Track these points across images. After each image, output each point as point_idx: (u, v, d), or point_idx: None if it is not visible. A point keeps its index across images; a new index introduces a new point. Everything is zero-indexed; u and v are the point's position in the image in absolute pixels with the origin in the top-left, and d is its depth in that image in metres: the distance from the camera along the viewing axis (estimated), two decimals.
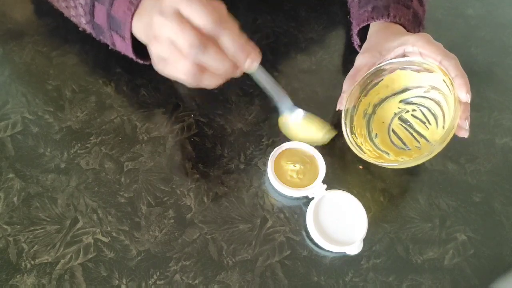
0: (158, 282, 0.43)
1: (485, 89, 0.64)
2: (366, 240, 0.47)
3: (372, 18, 0.55)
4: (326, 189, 0.49)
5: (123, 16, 0.46)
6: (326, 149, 0.53)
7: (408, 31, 0.55)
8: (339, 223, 0.47)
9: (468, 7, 0.77)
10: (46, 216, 0.46)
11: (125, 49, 0.49)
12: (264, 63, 0.45)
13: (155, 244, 0.45)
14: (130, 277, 0.43)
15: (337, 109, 0.52)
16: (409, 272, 0.47)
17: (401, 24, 0.55)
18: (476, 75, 0.66)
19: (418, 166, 0.54)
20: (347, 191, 0.50)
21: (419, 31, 0.56)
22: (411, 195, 0.52)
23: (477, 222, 0.51)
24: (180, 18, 0.37)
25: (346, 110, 0.51)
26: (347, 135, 0.51)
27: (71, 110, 0.54)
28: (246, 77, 0.60)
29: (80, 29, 0.54)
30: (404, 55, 0.51)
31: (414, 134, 0.53)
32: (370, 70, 0.51)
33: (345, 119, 0.51)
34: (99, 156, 0.51)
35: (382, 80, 0.52)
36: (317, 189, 0.49)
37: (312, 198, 0.49)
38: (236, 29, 0.39)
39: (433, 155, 0.46)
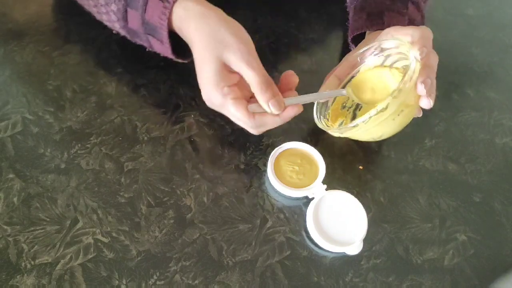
0: (158, 283, 0.43)
1: (485, 89, 0.64)
2: (366, 240, 0.47)
3: (367, 26, 0.55)
4: (326, 189, 0.49)
5: (158, 21, 0.46)
6: (326, 149, 0.53)
7: None
8: (339, 223, 0.47)
9: (468, 7, 0.76)
10: (46, 216, 0.46)
11: (165, 51, 0.50)
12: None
13: (155, 244, 0.45)
14: (130, 277, 0.43)
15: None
16: (409, 272, 0.47)
17: None
18: (476, 75, 0.66)
19: (418, 165, 0.54)
20: (347, 191, 0.50)
21: None
22: (411, 195, 0.52)
23: (477, 222, 0.51)
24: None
25: (319, 103, 0.51)
26: (318, 119, 0.50)
27: (72, 110, 0.54)
28: None
29: (114, 32, 0.54)
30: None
31: None
32: (342, 61, 0.52)
33: (318, 105, 0.51)
34: (99, 156, 0.51)
35: (358, 72, 0.52)
36: (317, 189, 0.49)
37: (312, 198, 0.49)
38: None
39: (387, 108, 0.43)
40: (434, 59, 0.46)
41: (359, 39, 0.57)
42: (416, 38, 0.46)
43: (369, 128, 0.45)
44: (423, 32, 0.47)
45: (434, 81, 0.46)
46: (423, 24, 0.57)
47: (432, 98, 0.45)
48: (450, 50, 0.69)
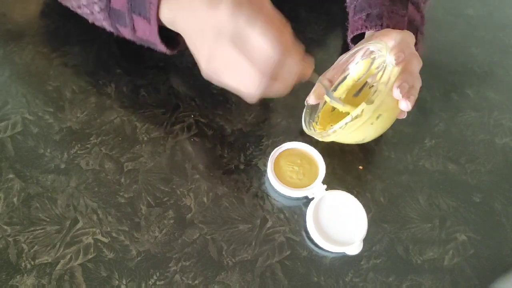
0: (158, 283, 0.43)
1: (485, 89, 0.64)
2: (366, 240, 0.47)
3: (366, 27, 0.55)
4: (326, 189, 0.49)
5: None
6: (326, 149, 0.53)
7: None
8: (339, 223, 0.47)
9: (468, 7, 0.76)
10: (46, 217, 0.46)
11: (149, 33, 0.46)
12: None
13: (155, 244, 0.45)
14: (130, 277, 0.43)
15: (305, 102, 0.52)
16: (409, 272, 0.47)
17: None
18: (476, 75, 0.66)
19: (418, 166, 0.54)
20: (347, 191, 0.50)
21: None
22: (411, 195, 0.52)
23: (477, 222, 0.51)
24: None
25: (309, 106, 0.52)
26: (305, 122, 0.51)
27: (71, 110, 0.54)
28: None
29: (89, 21, 0.51)
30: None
31: None
32: (334, 64, 0.52)
33: (308, 108, 0.51)
34: (99, 156, 0.51)
35: (348, 74, 0.53)
36: (317, 189, 0.49)
37: (312, 199, 0.49)
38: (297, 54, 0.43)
39: (362, 115, 0.44)
40: (416, 64, 0.46)
41: (359, 39, 0.57)
42: (396, 42, 0.46)
43: (347, 134, 0.46)
44: (403, 37, 0.47)
45: (417, 85, 0.46)
46: (423, 24, 0.57)
47: (411, 101, 0.45)
48: (450, 50, 0.69)
